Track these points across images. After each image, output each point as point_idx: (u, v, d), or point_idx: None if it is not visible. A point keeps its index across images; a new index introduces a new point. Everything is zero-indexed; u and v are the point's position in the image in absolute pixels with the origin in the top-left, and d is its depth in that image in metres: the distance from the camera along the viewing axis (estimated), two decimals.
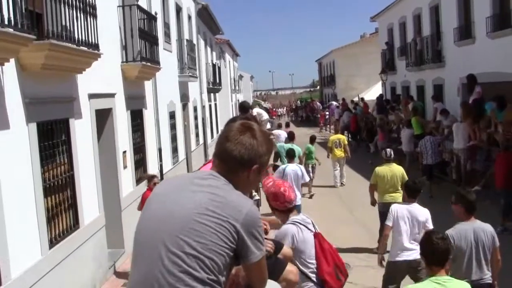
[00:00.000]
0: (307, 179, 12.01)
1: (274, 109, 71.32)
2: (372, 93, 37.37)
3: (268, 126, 15.20)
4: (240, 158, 2.71)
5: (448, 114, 18.07)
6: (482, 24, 17.92)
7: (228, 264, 2.61)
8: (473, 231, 6.10)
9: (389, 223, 7.49)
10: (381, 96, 29.47)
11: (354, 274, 9.33)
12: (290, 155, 12.15)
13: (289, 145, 14.14)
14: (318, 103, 52.70)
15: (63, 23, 7.56)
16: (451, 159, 16.05)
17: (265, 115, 15.63)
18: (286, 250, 4.08)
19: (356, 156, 25.09)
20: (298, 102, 74.22)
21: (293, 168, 11.28)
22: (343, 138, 18.22)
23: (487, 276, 6.11)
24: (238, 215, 2.58)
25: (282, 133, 17.78)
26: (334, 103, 41.68)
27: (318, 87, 77.57)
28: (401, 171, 10.53)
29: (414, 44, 25.19)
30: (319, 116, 46.53)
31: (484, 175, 14.41)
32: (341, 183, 17.81)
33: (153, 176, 9.87)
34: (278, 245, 3.90)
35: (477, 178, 15.13)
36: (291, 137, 15.31)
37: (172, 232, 2.55)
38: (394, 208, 7.65)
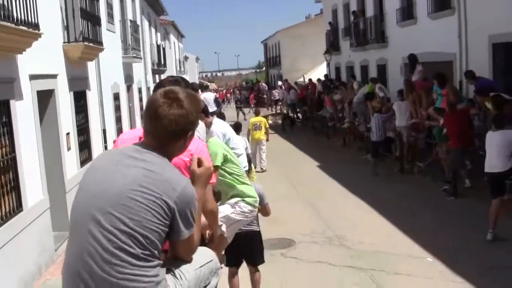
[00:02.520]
0: (250, 151, 12.63)
1: (222, 90, 70.88)
2: (317, 73, 37.74)
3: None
4: (173, 132, 2.73)
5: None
6: (424, 5, 18.29)
7: (163, 238, 2.64)
8: None
9: None
10: (326, 76, 29.81)
11: (299, 250, 9.55)
12: (237, 127, 12.49)
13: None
14: (264, 84, 52.81)
15: (1, 1, 7.37)
16: (395, 136, 16.40)
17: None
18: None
19: (301, 135, 25.41)
20: (244, 83, 74.15)
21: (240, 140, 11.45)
22: (264, 120, 17.75)
23: (254, 226, 6.89)
24: (172, 192, 2.60)
25: (209, 95, 17.72)
26: (280, 83, 41.92)
27: (264, 68, 77.68)
28: None
29: (355, 23, 25.57)
30: (265, 96, 46.70)
31: (429, 153, 14.87)
32: (261, 168, 16.96)
33: None
34: None
35: (419, 155, 15.57)
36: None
37: (105, 207, 2.55)
38: None
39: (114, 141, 4.59)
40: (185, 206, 2.65)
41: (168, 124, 2.71)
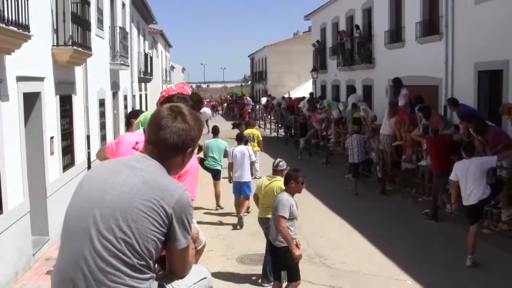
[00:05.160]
0: (254, 158, 13.32)
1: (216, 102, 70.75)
2: (302, 91, 37.81)
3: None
4: (174, 145, 2.75)
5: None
6: (412, 29, 18.47)
7: (159, 249, 2.63)
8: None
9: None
10: (311, 94, 29.80)
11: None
12: (239, 138, 13.56)
13: (213, 141, 14.13)
14: (248, 98, 52.87)
15: None
16: (378, 158, 16.49)
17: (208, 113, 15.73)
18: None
19: (283, 151, 25.42)
20: (229, 96, 74.21)
21: (240, 149, 12.85)
22: (257, 133, 18.12)
23: (281, 239, 7.29)
24: (170, 199, 2.60)
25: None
26: (264, 99, 42.13)
27: (250, 82, 77.83)
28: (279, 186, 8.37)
29: (341, 39, 25.89)
30: (249, 111, 46.76)
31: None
32: (255, 177, 16.47)
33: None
34: None
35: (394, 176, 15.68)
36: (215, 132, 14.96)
37: (103, 215, 2.55)
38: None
39: (116, 139, 4.62)
40: (182, 213, 2.65)
41: (169, 135, 2.74)
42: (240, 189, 12.59)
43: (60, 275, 2.61)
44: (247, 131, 17.91)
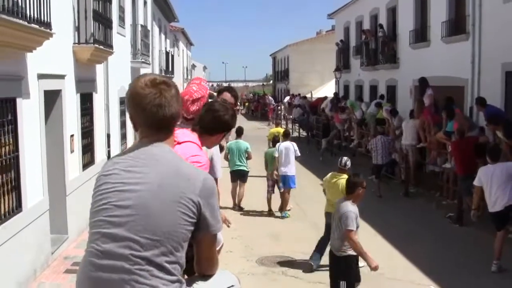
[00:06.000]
0: (298, 153, 13.67)
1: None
2: (325, 90, 37.52)
3: None
4: (177, 115, 2.64)
5: (397, 114, 18.39)
6: (438, 28, 18.19)
7: (188, 238, 2.51)
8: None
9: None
10: (335, 94, 29.57)
11: (300, 269, 9.39)
12: (285, 135, 14.09)
13: (234, 142, 14.09)
14: (270, 98, 52.70)
15: None
16: (401, 159, 16.26)
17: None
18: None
19: (307, 152, 25.26)
20: (251, 95, 74.12)
21: (286, 144, 13.33)
22: (282, 131, 18.09)
23: (344, 249, 7.06)
24: (194, 187, 2.49)
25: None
26: (287, 98, 41.95)
27: (271, 81, 77.66)
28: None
29: (365, 39, 25.62)
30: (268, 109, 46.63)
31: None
32: None
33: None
34: None
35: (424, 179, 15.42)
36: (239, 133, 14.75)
37: (126, 214, 2.43)
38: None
39: None
40: (209, 198, 2.54)
41: (173, 109, 2.59)
42: (285, 182, 13.22)
43: (84, 274, 2.51)
44: (274, 130, 17.99)
